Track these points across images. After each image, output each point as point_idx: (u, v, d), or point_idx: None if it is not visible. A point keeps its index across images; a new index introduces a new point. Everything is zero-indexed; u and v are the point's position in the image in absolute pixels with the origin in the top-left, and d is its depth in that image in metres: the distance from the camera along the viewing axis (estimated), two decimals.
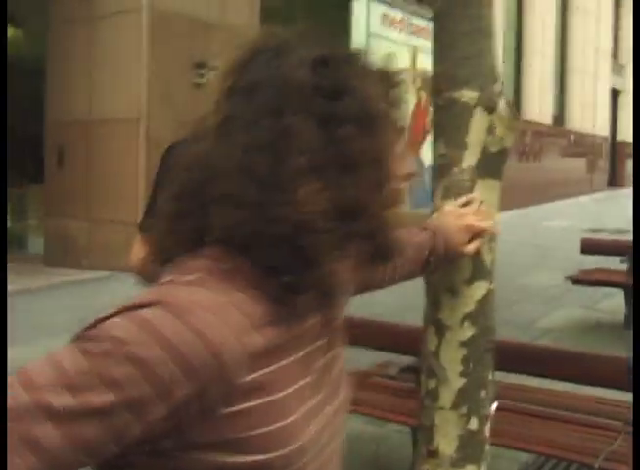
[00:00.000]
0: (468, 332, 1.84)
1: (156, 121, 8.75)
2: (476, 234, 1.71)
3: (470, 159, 1.83)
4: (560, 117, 21.07)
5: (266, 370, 0.92)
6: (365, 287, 1.43)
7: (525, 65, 18.58)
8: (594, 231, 11.87)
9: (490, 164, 1.85)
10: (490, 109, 1.82)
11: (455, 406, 1.84)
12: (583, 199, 20.65)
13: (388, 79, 1.02)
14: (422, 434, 1.91)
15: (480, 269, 1.85)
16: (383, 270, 1.51)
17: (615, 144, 26.09)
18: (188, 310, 0.85)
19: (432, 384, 1.88)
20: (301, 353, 0.99)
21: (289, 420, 0.94)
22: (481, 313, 1.85)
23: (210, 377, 0.85)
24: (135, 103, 8.94)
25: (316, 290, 0.96)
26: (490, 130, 1.83)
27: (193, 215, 0.95)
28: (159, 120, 8.70)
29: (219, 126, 0.96)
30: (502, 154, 1.86)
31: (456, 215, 1.73)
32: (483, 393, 1.88)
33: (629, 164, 25.10)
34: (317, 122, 0.92)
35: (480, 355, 1.86)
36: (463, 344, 1.84)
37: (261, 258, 0.93)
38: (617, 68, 25.78)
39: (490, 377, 1.89)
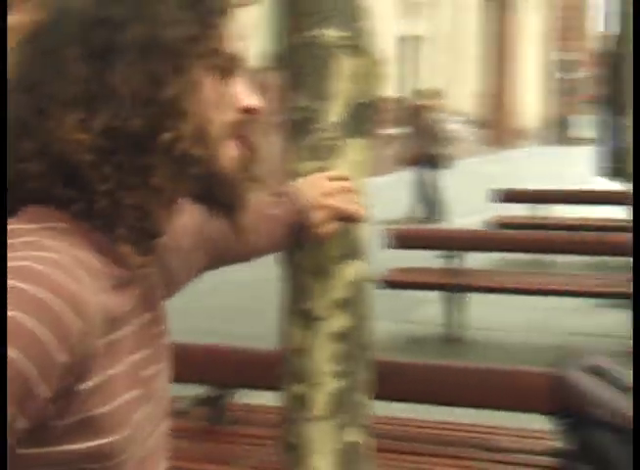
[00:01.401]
0: (342, 322, 1.59)
1: None
2: (338, 216, 1.52)
3: (335, 112, 1.59)
4: None
5: (111, 338, 0.92)
6: (220, 259, 1.35)
7: None
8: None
9: (360, 119, 1.62)
10: (357, 52, 1.60)
11: (331, 414, 1.58)
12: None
13: (202, 6, 0.98)
14: (290, 455, 1.63)
15: (353, 245, 1.61)
16: (239, 241, 1.32)
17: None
18: (46, 274, 0.84)
19: (299, 389, 1.60)
20: (134, 325, 0.99)
21: (128, 396, 0.94)
22: (357, 299, 1.61)
23: (78, 341, 0.84)
24: None
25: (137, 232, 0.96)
26: (358, 77, 1.60)
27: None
28: None
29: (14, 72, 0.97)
30: (371, 106, 1.63)
31: (322, 192, 1.51)
32: (361, 396, 1.63)
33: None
34: (93, 54, 0.93)
35: (356, 351, 1.61)
36: (336, 337, 1.59)
37: (64, 203, 0.94)
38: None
39: (367, 377, 1.65)
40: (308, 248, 1.56)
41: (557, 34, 37.12)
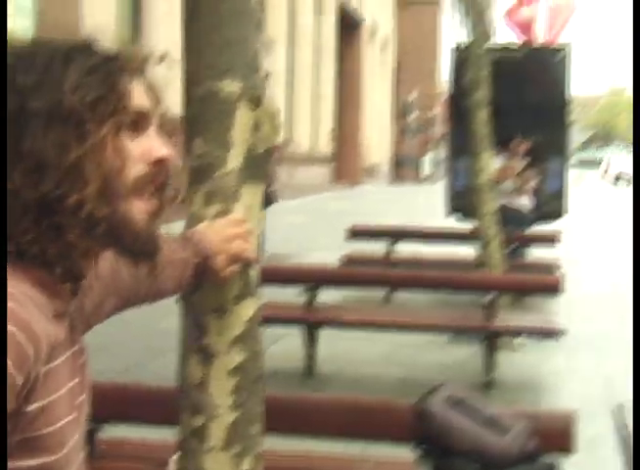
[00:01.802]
0: (238, 357, 1.70)
1: None
2: (237, 260, 1.65)
3: (235, 160, 1.71)
4: None
5: (51, 365, 1.01)
6: (128, 301, 1.43)
7: None
8: None
9: (256, 166, 1.74)
10: (255, 103, 1.72)
11: (227, 445, 1.68)
12: None
13: (106, 68, 1.07)
14: None
15: (249, 285, 1.72)
16: (147, 283, 1.44)
17: None
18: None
19: (198, 422, 1.69)
20: (68, 354, 1.08)
21: (67, 419, 1.05)
22: (251, 335, 1.73)
23: (31, 365, 0.95)
24: None
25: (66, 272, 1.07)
26: (255, 127, 1.73)
27: None
28: None
29: None
30: (268, 154, 1.76)
31: (223, 237, 1.63)
32: (256, 428, 1.74)
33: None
34: (9, 119, 1.00)
35: (251, 385, 1.73)
36: (233, 371, 1.69)
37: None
38: None
39: (261, 410, 1.76)
40: (207, 288, 1.66)
41: (410, 76, 38.49)
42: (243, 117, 1.71)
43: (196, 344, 1.70)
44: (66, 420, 1.05)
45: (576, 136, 78.56)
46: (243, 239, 1.65)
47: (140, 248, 1.11)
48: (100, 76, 1.05)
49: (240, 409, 1.70)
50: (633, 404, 4.70)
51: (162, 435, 3.74)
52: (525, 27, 27.82)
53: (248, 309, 1.72)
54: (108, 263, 1.29)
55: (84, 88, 1.03)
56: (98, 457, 3.21)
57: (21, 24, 10.16)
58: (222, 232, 1.63)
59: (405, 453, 3.05)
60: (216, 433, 1.69)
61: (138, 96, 1.10)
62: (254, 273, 1.76)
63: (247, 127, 1.71)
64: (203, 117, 1.72)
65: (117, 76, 1.07)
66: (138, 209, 1.09)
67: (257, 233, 1.75)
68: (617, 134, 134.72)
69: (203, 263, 1.58)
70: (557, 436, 2.94)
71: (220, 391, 1.69)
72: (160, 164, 1.10)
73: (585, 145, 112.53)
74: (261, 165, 1.75)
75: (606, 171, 41.12)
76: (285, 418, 3.11)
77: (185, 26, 1.75)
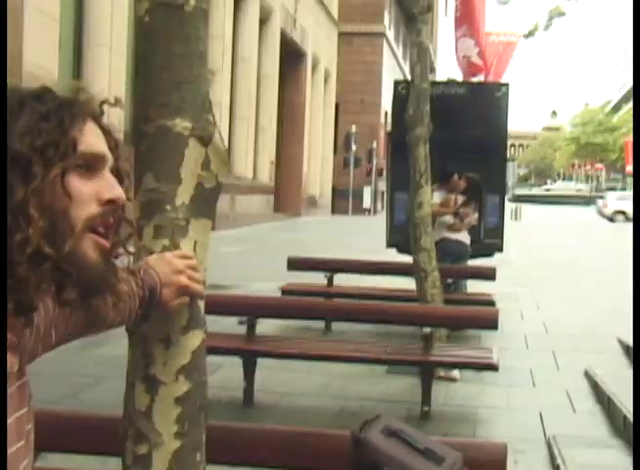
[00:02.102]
0: (183, 387, 1.76)
1: None
2: (185, 293, 1.72)
3: (184, 195, 1.78)
4: None
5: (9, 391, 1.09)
6: (72, 334, 1.46)
7: None
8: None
9: (204, 202, 1.81)
10: (205, 141, 1.80)
11: None
12: None
13: (59, 114, 1.13)
14: None
15: (195, 316, 1.79)
16: (91, 315, 1.47)
17: None
18: None
19: (142, 450, 1.74)
20: (18, 384, 1.15)
21: (17, 446, 1.12)
22: (196, 366, 1.79)
23: None
24: None
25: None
26: (205, 164, 1.80)
27: None
28: None
29: None
30: (216, 190, 1.83)
31: (172, 269, 1.69)
32: (199, 456, 1.79)
33: None
34: None
35: (195, 414, 1.78)
36: (178, 400, 1.75)
37: None
38: None
39: (204, 438, 1.82)
40: (155, 318, 1.72)
41: (351, 108, 38.89)
42: (193, 154, 1.78)
43: (142, 372, 1.76)
44: (15, 447, 1.10)
45: (513, 172, 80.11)
46: (190, 272, 1.71)
47: (92, 283, 1.18)
48: (52, 122, 1.12)
49: (183, 437, 1.76)
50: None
51: (99, 464, 3.77)
52: (469, 64, 28.43)
53: (194, 340, 1.79)
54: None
55: (34, 133, 1.10)
56: None
57: None
58: (171, 265, 1.69)
59: None
60: (160, 461, 1.74)
61: (91, 139, 1.17)
62: (201, 305, 1.82)
63: (196, 164, 1.79)
64: (154, 154, 1.79)
65: (70, 122, 1.14)
66: (89, 246, 1.15)
67: (205, 267, 1.81)
68: (554, 170, 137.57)
69: (150, 295, 1.64)
70: (490, 466, 3.03)
71: (165, 419, 1.75)
72: (111, 204, 1.17)
73: (522, 180, 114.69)
74: (210, 201, 1.83)
75: (604, 208, 42.67)
76: (223, 448, 3.15)
77: (136, 66, 1.81)
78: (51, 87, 1.19)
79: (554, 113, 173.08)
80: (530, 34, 14.09)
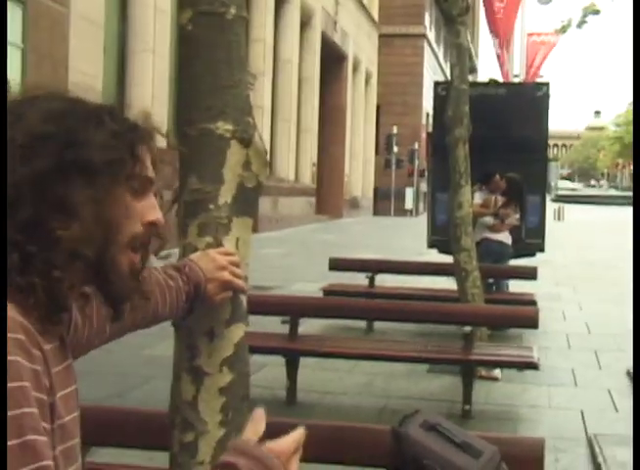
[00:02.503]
0: (227, 378, 1.84)
1: None
2: (228, 288, 1.80)
3: (226, 194, 1.86)
4: None
5: (55, 369, 1.17)
6: (121, 329, 1.57)
7: None
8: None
9: (246, 201, 1.89)
10: (246, 142, 1.88)
11: (216, 460, 1.81)
12: None
13: (129, 135, 1.23)
14: None
15: (238, 310, 1.87)
16: (134, 314, 1.58)
17: None
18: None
19: (188, 438, 1.83)
20: (64, 364, 1.24)
21: (74, 414, 1.22)
22: (239, 358, 1.87)
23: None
24: None
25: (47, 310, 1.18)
26: (246, 165, 1.88)
27: None
28: None
29: None
30: (257, 190, 1.91)
31: (216, 265, 1.77)
32: None
33: None
34: (54, 168, 1.15)
35: (238, 403, 1.86)
36: (222, 391, 1.83)
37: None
38: None
39: None
40: (200, 312, 1.80)
41: (393, 109, 38.86)
42: (234, 156, 1.86)
43: (188, 364, 1.84)
44: (73, 415, 1.22)
45: (556, 172, 79.36)
46: (233, 268, 1.80)
47: (118, 294, 1.28)
48: (125, 142, 1.22)
49: (227, 426, 1.84)
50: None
51: (147, 459, 3.87)
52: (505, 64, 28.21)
53: (237, 333, 1.86)
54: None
55: (108, 149, 1.19)
56: None
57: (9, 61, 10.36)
58: (214, 261, 1.78)
59: None
60: (205, 448, 1.82)
61: (147, 163, 1.28)
62: (244, 300, 1.90)
63: (238, 165, 1.86)
64: (197, 155, 1.87)
65: (137, 145, 1.25)
66: (125, 261, 1.24)
67: (247, 263, 1.89)
68: (598, 170, 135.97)
69: (195, 290, 1.73)
70: (527, 461, 3.07)
71: (210, 408, 1.83)
72: (152, 225, 1.27)
73: (564, 181, 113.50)
74: (251, 200, 1.90)
75: None
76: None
77: (180, 71, 1.90)
78: (117, 107, 1.29)
79: (597, 112, 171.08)
80: (563, 31, 13.99)
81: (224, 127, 1.86)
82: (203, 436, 1.82)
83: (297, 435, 1.27)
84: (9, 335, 1.07)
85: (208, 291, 1.76)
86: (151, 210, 1.27)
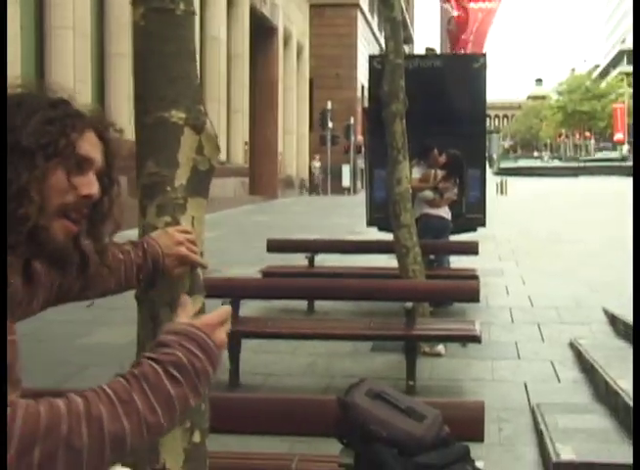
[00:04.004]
0: None
1: None
2: (185, 262, 2.07)
3: (181, 177, 2.13)
4: None
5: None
6: (63, 296, 1.86)
7: None
8: None
9: (199, 183, 2.17)
10: (198, 129, 2.15)
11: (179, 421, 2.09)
12: None
13: (63, 121, 1.55)
14: (142, 454, 2.12)
15: (196, 283, 2.15)
16: (78, 281, 1.86)
17: None
18: None
19: None
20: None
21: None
22: None
23: None
24: None
25: None
26: (198, 150, 2.15)
27: None
28: None
29: None
30: (209, 172, 2.19)
31: (173, 241, 2.05)
32: (203, 406, 2.16)
33: None
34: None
35: None
36: None
37: None
38: None
39: (207, 391, 2.18)
40: (161, 285, 2.07)
41: (326, 83, 39.03)
42: (188, 141, 2.14)
43: (151, 333, 2.11)
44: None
45: (497, 145, 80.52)
46: (189, 244, 2.08)
47: (53, 256, 1.59)
48: (56, 127, 1.53)
49: None
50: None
51: None
52: (453, 34, 28.54)
53: (196, 304, 2.14)
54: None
55: (40, 133, 1.51)
56: None
57: None
58: (172, 238, 2.06)
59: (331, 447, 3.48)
60: None
61: (86, 146, 1.59)
62: (201, 274, 2.18)
63: (191, 150, 2.14)
64: (153, 142, 2.14)
65: (71, 129, 1.55)
66: (59, 227, 1.55)
67: (202, 240, 2.17)
68: (541, 141, 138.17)
69: (153, 264, 2.00)
70: (468, 424, 3.41)
71: None
72: (86, 198, 1.58)
73: (506, 153, 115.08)
74: (204, 182, 2.18)
75: None
76: (215, 417, 3.50)
77: (135, 64, 2.16)
78: (70, 100, 1.61)
79: (539, 80, 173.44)
80: None
81: (177, 115, 2.13)
82: None
83: (222, 310, 1.59)
84: None
85: (167, 265, 2.03)
86: (86, 185, 1.57)
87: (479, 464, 3.41)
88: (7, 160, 1.44)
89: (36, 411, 1.21)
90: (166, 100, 2.12)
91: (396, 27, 8.12)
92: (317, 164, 38.43)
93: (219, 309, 1.59)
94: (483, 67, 11.48)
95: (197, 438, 2.14)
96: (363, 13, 43.07)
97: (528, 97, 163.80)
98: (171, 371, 1.39)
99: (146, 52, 2.14)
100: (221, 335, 1.52)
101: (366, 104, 12.34)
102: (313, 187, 38.14)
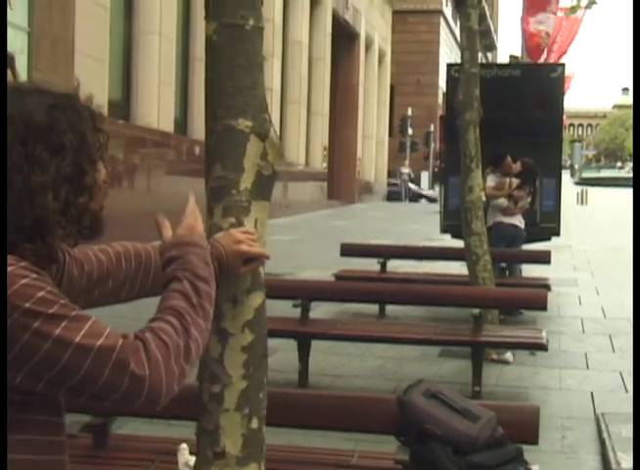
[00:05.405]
0: (248, 338, 2.27)
1: None
2: (249, 258, 2.19)
3: (246, 181, 2.28)
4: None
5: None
6: (102, 297, 1.99)
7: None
8: None
9: (263, 187, 2.32)
10: (262, 136, 2.30)
11: (239, 408, 2.25)
12: None
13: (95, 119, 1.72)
14: (205, 438, 2.28)
15: (257, 281, 2.30)
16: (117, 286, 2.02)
17: None
18: None
19: (216, 389, 2.26)
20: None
21: None
22: (258, 321, 2.30)
23: None
24: None
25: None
26: (263, 156, 2.30)
27: None
28: None
29: None
30: (272, 177, 2.33)
31: (234, 240, 2.18)
32: (262, 394, 2.31)
33: None
34: (49, 151, 1.58)
35: (259, 360, 2.30)
36: (244, 349, 2.27)
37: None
38: None
39: (265, 381, 2.33)
40: (224, 282, 2.22)
41: (407, 89, 38.96)
42: (253, 148, 2.29)
43: (215, 326, 2.27)
44: None
45: (580, 154, 79.09)
46: (250, 242, 2.21)
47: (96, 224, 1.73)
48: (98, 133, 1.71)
49: (249, 379, 2.28)
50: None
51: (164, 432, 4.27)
52: (534, 43, 28.21)
53: (256, 300, 2.30)
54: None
55: (92, 137, 1.68)
56: (110, 449, 3.76)
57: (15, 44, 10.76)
58: (234, 236, 2.20)
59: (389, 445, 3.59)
60: (230, 398, 2.27)
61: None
62: (262, 271, 2.33)
63: (256, 156, 2.29)
64: (221, 147, 2.30)
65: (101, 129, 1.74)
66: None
67: (264, 240, 2.32)
68: (626, 151, 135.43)
69: (219, 264, 2.14)
70: (522, 426, 3.49)
71: (234, 364, 2.27)
72: (104, 182, 1.75)
73: (588, 163, 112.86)
74: (267, 186, 2.33)
75: None
76: (278, 412, 3.64)
77: (207, 74, 2.32)
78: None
79: (625, 89, 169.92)
80: (572, 11, 14.28)
81: (244, 124, 2.28)
82: (228, 387, 2.26)
83: (189, 207, 1.93)
84: (19, 264, 1.48)
85: (230, 263, 2.16)
86: (102, 171, 1.72)
87: (534, 467, 3.49)
88: (72, 159, 1.61)
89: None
90: (234, 109, 2.28)
91: (472, 37, 8.18)
92: (406, 169, 38.27)
93: (188, 208, 1.93)
94: (561, 76, 11.45)
95: (254, 424, 2.29)
96: (446, 19, 42.94)
97: (614, 106, 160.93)
98: (200, 274, 1.77)
99: (217, 63, 2.29)
100: (200, 227, 1.91)
101: (443, 113, 12.38)
102: (394, 194, 38.07)
